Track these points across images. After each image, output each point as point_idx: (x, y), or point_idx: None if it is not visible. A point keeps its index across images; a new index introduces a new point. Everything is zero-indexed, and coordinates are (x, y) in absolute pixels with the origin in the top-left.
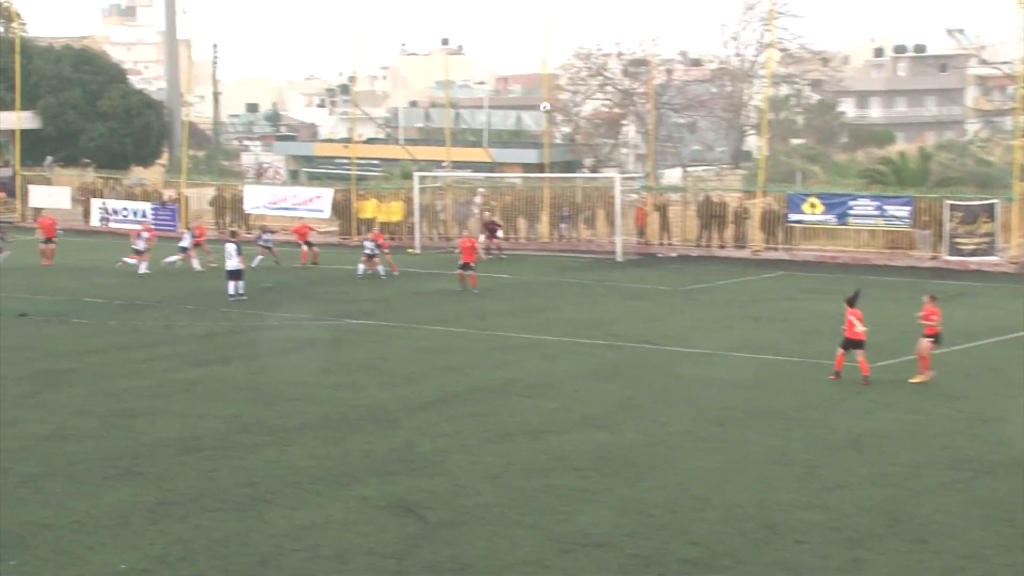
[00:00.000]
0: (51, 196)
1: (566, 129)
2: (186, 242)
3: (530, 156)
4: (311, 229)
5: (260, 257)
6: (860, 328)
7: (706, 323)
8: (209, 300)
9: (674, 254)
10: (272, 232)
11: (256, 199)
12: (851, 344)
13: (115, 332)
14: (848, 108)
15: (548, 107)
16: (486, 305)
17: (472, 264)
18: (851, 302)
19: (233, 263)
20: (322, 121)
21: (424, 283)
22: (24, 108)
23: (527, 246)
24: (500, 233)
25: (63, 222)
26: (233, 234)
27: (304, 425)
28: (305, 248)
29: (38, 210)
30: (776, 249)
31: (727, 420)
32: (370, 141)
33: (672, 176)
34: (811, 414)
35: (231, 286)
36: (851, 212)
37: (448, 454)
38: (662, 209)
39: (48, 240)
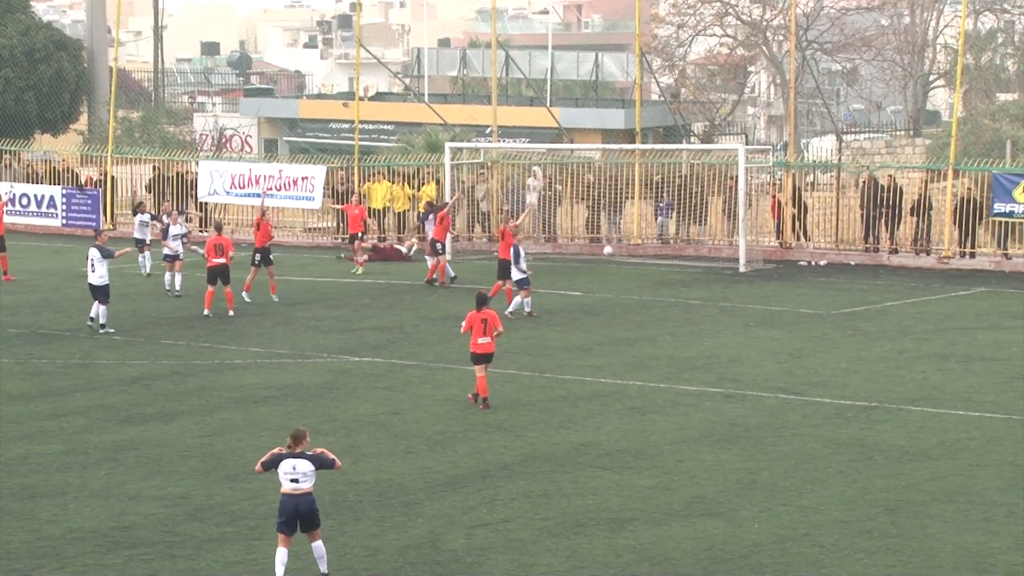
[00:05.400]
0: None
1: (667, 80)
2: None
3: (614, 119)
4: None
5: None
6: None
7: (870, 363)
8: (145, 327)
9: (823, 262)
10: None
11: (214, 181)
12: None
13: (8, 375)
14: None
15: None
16: (547, 336)
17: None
18: None
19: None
20: (311, 68)
21: (456, 303)
22: None
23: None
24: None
25: None
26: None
27: None
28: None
29: None
30: (974, 255)
31: (899, 505)
32: (380, 97)
33: (822, 148)
34: None
35: (94, 308)
36: None
37: (490, 553)
38: (803, 196)
39: None
